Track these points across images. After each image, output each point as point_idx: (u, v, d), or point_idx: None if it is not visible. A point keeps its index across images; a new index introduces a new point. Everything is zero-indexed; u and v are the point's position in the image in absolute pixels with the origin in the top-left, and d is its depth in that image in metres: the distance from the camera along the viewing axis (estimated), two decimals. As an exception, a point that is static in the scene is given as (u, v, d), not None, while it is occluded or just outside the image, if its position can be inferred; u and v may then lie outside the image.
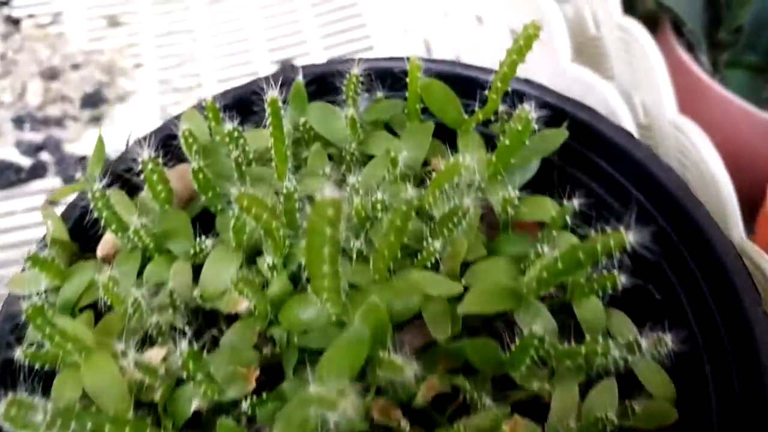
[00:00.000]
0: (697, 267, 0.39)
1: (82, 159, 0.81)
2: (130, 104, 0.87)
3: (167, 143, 0.45)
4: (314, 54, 0.93)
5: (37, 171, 0.81)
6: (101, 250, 0.41)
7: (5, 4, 0.95)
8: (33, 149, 0.82)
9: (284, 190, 0.37)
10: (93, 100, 0.86)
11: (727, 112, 0.67)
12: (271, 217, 0.33)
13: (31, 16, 0.95)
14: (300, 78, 0.45)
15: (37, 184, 0.79)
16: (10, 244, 0.75)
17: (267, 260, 0.37)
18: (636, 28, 0.58)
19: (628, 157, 0.44)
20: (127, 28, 0.95)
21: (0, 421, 0.29)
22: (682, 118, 0.54)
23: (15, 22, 0.93)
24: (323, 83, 0.48)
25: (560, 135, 0.42)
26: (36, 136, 0.83)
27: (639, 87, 0.60)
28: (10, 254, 0.74)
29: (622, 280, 0.35)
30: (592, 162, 0.45)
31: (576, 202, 0.37)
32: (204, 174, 0.40)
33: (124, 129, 0.85)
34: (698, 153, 0.52)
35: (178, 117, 0.47)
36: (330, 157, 0.45)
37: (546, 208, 0.39)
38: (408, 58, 0.42)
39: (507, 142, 0.37)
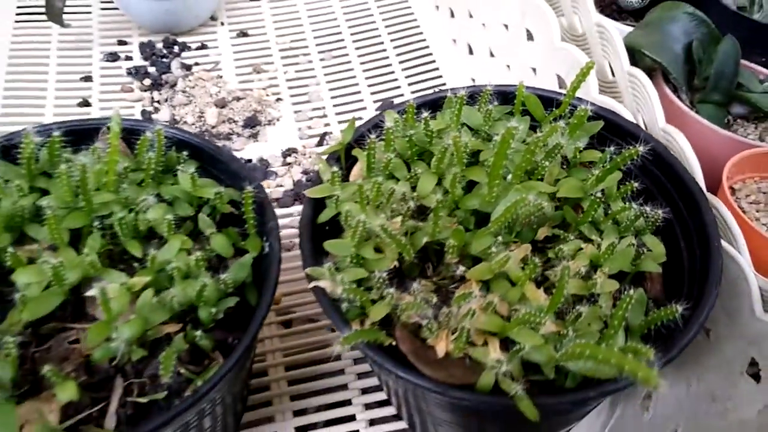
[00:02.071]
0: (673, 188, 0.79)
1: (248, 161, 1.21)
2: (277, 127, 1.28)
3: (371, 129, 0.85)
4: (405, 95, 1.34)
5: (216, 169, 1.20)
6: (353, 176, 0.81)
7: (178, 55, 1.37)
8: (213, 154, 1.22)
9: (462, 142, 0.76)
10: (251, 123, 1.27)
11: (700, 131, 1.08)
12: (465, 147, 0.73)
13: (197, 63, 1.37)
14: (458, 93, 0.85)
15: (218, 178, 1.18)
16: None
17: (451, 177, 0.76)
18: (639, 73, 1.00)
19: (636, 138, 0.84)
20: (267, 74, 1.37)
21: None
22: (668, 126, 0.95)
23: (188, 68, 1.35)
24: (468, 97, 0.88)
25: (599, 124, 0.83)
26: (214, 146, 1.23)
27: (641, 110, 1.01)
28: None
29: (635, 185, 0.74)
30: (616, 142, 0.86)
31: (612, 149, 0.77)
32: (413, 139, 0.79)
33: (274, 143, 1.27)
34: (678, 146, 0.92)
35: (381, 114, 0.87)
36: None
37: (595, 155, 0.79)
38: (517, 85, 0.83)
39: (574, 121, 0.78)
